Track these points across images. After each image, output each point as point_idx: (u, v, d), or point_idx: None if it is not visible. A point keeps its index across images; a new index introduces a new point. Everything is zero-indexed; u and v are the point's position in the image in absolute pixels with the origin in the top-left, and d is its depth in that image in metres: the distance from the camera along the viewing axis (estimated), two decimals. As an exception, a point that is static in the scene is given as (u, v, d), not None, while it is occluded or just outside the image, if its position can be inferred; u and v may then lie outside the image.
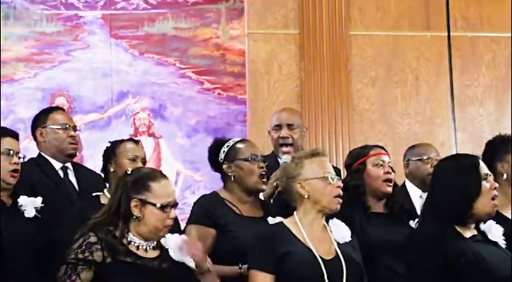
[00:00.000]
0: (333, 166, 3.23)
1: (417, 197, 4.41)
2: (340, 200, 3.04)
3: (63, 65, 6.06)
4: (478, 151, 3.70)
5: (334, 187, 3.02)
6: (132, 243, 2.85)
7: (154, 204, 2.84)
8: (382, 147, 3.74)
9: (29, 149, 4.31)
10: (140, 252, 2.85)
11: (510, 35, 5.69)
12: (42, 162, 3.98)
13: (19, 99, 5.96)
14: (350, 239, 3.08)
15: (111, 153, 3.79)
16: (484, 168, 3.03)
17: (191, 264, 2.92)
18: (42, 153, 4.02)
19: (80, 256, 2.75)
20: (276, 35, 5.76)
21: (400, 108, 5.82)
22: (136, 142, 3.88)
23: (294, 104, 5.43)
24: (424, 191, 4.22)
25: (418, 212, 3.55)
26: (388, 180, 3.59)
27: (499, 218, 3.12)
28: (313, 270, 2.88)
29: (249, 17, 5.79)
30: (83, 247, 2.76)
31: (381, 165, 3.60)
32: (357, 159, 3.65)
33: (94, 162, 4.77)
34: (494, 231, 3.02)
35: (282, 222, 3.06)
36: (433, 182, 3.10)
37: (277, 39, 5.76)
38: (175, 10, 6.19)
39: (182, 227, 3.50)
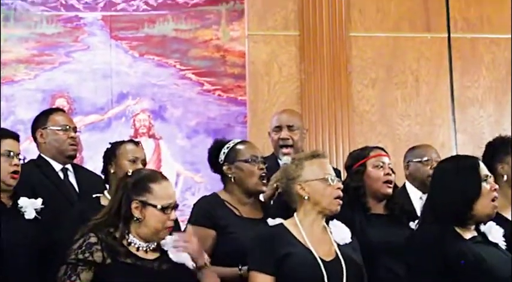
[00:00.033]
0: (333, 167, 3.23)
1: (417, 198, 4.40)
2: (340, 202, 3.04)
3: (64, 66, 6.07)
4: (478, 152, 3.71)
5: (334, 188, 3.02)
6: (132, 244, 2.85)
7: (155, 206, 2.84)
8: (382, 149, 3.74)
9: (29, 150, 4.31)
10: (140, 254, 2.85)
11: (510, 36, 5.69)
12: (42, 164, 3.98)
13: (19, 101, 5.96)
14: (350, 240, 3.08)
15: (111, 154, 3.79)
16: (484, 169, 3.03)
17: (191, 265, 2.92)
18: (42, 155, 4.03)
19: (80, 256, 2.75)
20: (276, 37, 5.76)
21: (400, 110, 5.82)
22: (137, 143, 3.88)
23: (294, 106, 5.43)
24: (424, 193, 4.22)
25: (418, 213, 3.54)
26: (388, 182, 3.59)
27: (499, 219, 3.12)
28: (313, 271, 2.88)
29: (249, 18, 5.79)
30: (83, 247, 2.76)
31: (381, 166, 3.60)
32: (357, 160, 3.65)
33: (94, 164, 4.77)
34: (494, 233, 3.02)
35: (282, 223, 3.07)
36: (433, 183, 3.10)
37: (277, 41, 5.76)
38: (176, 11, 6.20)
39: (182, 229, 3.50)
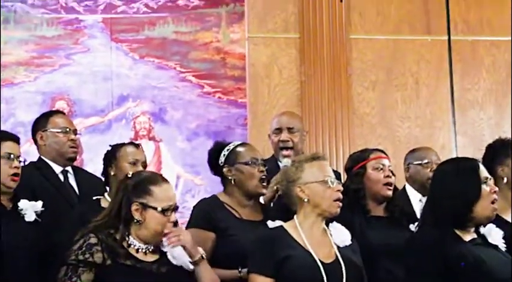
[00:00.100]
0: (333, 170, 3.23)
1: (417, 200, 4.40)
2: (340, 204, 3.04)
3: (64, 68, 6.07)
4: (479, 155, 3.70)
5: (334, 191, 3.02)
6: (132, 246, 2.85)
7: (155, 208, 2.85)
8: (382, 151, 3.74)
9: (29, 152, 4.30)
10: (140, 256, 2.85)
11: (510, 38, 5.70)
12: (42, 166, 3.98)
13: (19, 103, 5.96)
14: (350, 242, 3.08)
15: (111, 156, 3.80)
16: (484, 171, 3.03)
17: (189, 267, 2.92)
18: (42, 157, 4.03)
19: (81, 257, 2.75)
20: (276, 39, 5.76)
21: (400, 112, 5.83)
22: (137, 146, 3.88)
23: (294, 108, 5.44)
24: (424, 195, 4.21)
25: (418, 215, 3.54)
26: (388, 184, 3.59)
27: (499, 222, 3.12)
28: (313, 274, 2.88)
29: (250, 20, 5.80)
30: (83, 248, 2.76)
31: (381, 168, 3.60)
32: (357, 162, 3.66)
33: (94, 166, 4.76)
34: (494, 235, 3.02)
35: (281, 226, 3.07)
36: (433, 186, 3.10)
37: (277, 43, 5.76)
38: (176, 14, 6.20)
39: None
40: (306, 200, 3.02)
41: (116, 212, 2.87)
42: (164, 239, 2.90)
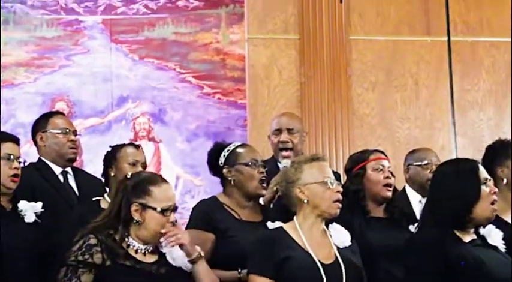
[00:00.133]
0: (333, 171, 3.24)
1: (417, 201, 4.40)
2: (340, 205, 3.04)
3: (64, 69, 6.07)
4: (478, 156, 3.70)
5: (333, 192, 3.02)
6: (131, 246, 2.85)
7: (154, 208, 2.85)
8: (382, 152, 3.74)
9: (29, 153, 4.30)
10: (139, 256, 2.85)
11: (510, 39, 5.70)
12: (42, 167, 3.98)
13: (19, 104, 5.96)
14: (350, 243, 3.08)
15: (111, 157, 3.80)
16: (483, 172, 3.03)
17: (188, 268, 2.92)
18: (42, 158, 4.02)
19: (80, 258, 2.75)
20: (276, 40, 5.76)
21: (400, 113, 5.83)
22: (137, 147, 3.88)
23: (294, 109, 5.44)
24: (423, 196, 4.22)
25: (418, 216, 3.54)
26: (388, 185, 3.59)
27: (498, 223, 3.12)
28: (313, 275, 2.88)
29: (249, 21, 5.80)
30: (83, 249, 2.76)
31: (381, 169, 3.60)
32: (357, 163, 3.65)
33: (94, 167, 4.77)
34: (493, 236, 3.02)
35: (281, 227, 3.07)
36: (433, 187, 3.10)
37: (277, 44, 5.76)
38: (176, 15, 6.20)
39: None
40: (305, 201, 3.02)
41: (116, 212, 2.87)
42: (162, 239, 2.90)
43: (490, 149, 3.78)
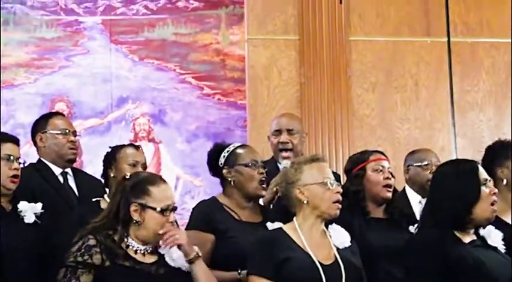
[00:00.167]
0: (333, 171, 3.23)
1: (417, 202, 4.40)
2: (339, 206, 3.04)
3: (63, 70, 6.07)
4: (478, 156, 3.71)
5: (333, 193, 3.02)
6: (131, 247, 2.85)
7: (154, 208, 2.85)
8: (382, 153, 3.74)
9: (29, 154, 4.31)
10: (138, 257, 2.85)
11: (510, 40, 5.70)
12: (42, 168, 3.98)
13: (19, 105, 5.96)
14: (349, 244, 3.08)
15: (111, 158, 3.80)
16: (483, 173, 3.03)
17: (186, 269, 2.91)
18: (42, 159, 4.02)
19: (79, 259, 2.75)
20: (275, 41, 5.77)
21: (399, 114, 5.83)
22: (137, 147, 3.88)
23: (293, 110, 5.44)
24: (423, 197, 4.21)
25: (418, 217, 3.54)
26: (388, 186, 3.58)
27: (498, 223, 3.12)
28: (312, 275, 2.88)
29: (249, 22, 5.80)
30: (82, 250, 2.76)
31: (381, 170, 3.60)
32: (357, 164, 3.65)
33: (94, 168, 4.77)
34: (493, 237, 3.03)
35: (281, 227, 3.06)
36: (433, 187, 3.10)
37: (277, 45, 5.76)
38: (175, 16, 6.20)
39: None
40: (305, 201, 3.02)
41: (115, 213, 2.87)
42: (161, 243, 2.89)
43: (489, 149, 3.78)
